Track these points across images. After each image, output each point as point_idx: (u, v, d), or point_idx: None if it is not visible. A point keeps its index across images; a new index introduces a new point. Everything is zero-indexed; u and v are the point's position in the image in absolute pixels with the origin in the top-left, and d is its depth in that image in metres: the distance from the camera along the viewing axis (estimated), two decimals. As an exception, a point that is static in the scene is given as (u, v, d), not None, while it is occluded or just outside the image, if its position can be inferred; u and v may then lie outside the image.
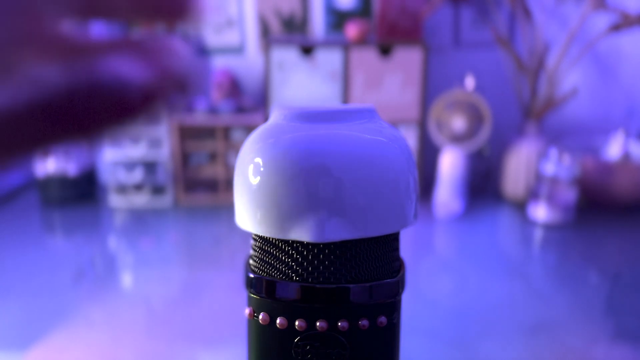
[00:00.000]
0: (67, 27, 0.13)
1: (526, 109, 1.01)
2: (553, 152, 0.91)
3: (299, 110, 0.24)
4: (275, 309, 0.23)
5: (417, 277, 0.71)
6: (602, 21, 0.95)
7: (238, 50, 1.15)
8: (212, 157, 1.06)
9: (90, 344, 0.56)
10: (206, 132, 1.03)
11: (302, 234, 0.22)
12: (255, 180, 0.23)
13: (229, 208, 1.00)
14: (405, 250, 0.82)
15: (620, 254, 0.84)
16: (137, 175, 1.00)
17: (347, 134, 0.23)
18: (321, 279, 0.23)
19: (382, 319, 0.23)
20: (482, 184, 1.10)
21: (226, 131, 1.02)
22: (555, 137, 1.11)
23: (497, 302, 0.66)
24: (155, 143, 1.00)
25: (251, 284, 0.24)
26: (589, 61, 1.11)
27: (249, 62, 1.15)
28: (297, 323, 0.23)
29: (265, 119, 1.00)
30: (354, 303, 0.23)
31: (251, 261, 0.25)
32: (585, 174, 0.93)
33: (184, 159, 1.02)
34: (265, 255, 0.24)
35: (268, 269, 0.24)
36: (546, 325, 0.59)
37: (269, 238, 0.24)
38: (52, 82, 0.12)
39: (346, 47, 0.98)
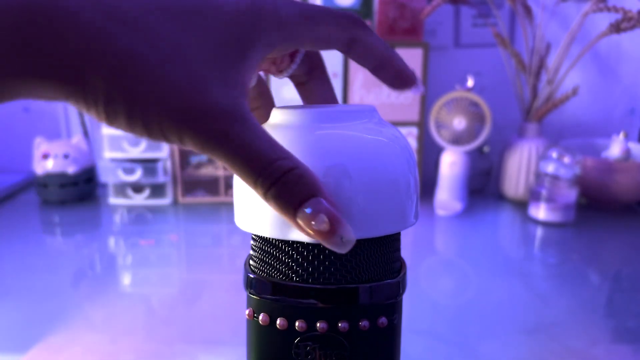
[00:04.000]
0: None
1: (527, 108, 1.01)
2: (553, 152, 0.91)
3: (299, 111, 0.24)
4: (275, 310, 0.23)
5: (418, 277, 0.71)
6: (603, 20, 0.95)
7: (238, 49, 1.15)
8: (212, 156, 1.06)
9: (89, 344, 0.55)
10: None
11: (302, 234, 0.22)
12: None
13: (229, 208, 1.00)
14: (406, 250, 0.82)
15: (620, 254, 0.84)
16: (137, 174, 1.00)
17: (347, 134, 0.22)
18: (321, 280, 0.23)
19: (383, 320, 0.23)
20: (483, 184, 1.10)
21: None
22: (556, 136, 1.11)
23: (497, 302, 0.66)
24: (154, 142, 1.00)
25: (251, 285, 0.24)
26: (589, 61, 1.11)
27: (249, 62, 1.15)
28: (297, 324, 0.23)
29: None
30: (354, 304, 0.23)
31: (251, 261, 0.25)
32: (585, 174, 0.93)
33: (184, 158, 1.02)
34: (265, 256, 0.24)
35: (268, 269, 0.24)
36: (546, 325, 0.59)
37: (269, 238, 0.23)
38: None
39: (346, 46, 0.97)
